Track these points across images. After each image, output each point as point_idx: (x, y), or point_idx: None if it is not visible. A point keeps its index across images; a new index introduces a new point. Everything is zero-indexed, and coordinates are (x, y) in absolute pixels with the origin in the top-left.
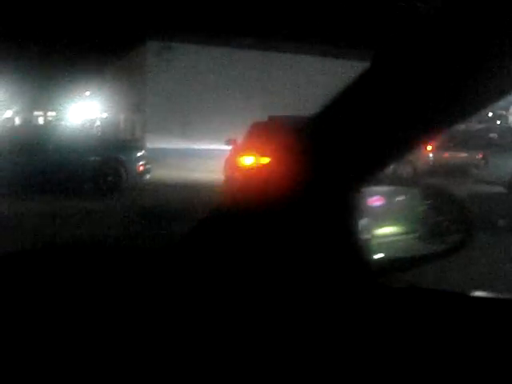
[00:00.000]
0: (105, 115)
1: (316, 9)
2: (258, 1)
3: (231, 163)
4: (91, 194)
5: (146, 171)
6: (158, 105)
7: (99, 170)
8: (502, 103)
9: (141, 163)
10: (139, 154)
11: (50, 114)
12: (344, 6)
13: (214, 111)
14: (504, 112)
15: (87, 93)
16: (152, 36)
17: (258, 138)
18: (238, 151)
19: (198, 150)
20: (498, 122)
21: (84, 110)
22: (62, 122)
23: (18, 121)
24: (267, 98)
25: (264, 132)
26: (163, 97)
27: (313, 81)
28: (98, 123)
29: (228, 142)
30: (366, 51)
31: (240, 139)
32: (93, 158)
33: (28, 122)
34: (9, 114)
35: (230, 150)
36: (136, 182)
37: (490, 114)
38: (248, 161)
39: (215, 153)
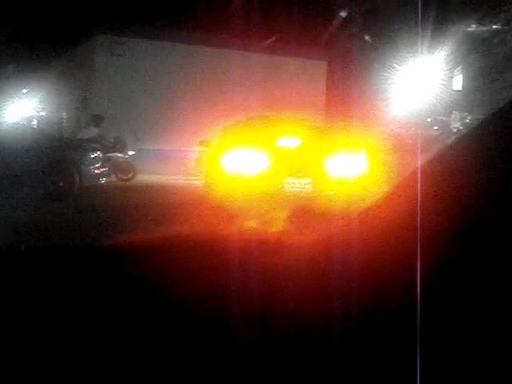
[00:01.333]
0: (43, 113)
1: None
2: None
3: (213, 166)
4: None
5: (102, 174)
6: (106, 103)
7: (49, 174)
8: (442, 109)
9: (96, 165)
10: (94, 156)
11: None
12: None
13: (168, 111)
14: (444, 118)
15: (24, 90)
16: (102, 29)
17: (238, 139)
18: (219, 153)
19: (149, 150)
20: (436, 128)
21: (20, 109)
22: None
23: None
24: (230, 97)
25: (245, 132)
26: (112, 94)
27: (276, 80)
28: (34, 122)
29: (203, 144)
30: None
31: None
32: (41, 160)
33: None
34: None
35: (205, 152)
36: (90, 186)
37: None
38: (235, 163)
39: (164, 154)
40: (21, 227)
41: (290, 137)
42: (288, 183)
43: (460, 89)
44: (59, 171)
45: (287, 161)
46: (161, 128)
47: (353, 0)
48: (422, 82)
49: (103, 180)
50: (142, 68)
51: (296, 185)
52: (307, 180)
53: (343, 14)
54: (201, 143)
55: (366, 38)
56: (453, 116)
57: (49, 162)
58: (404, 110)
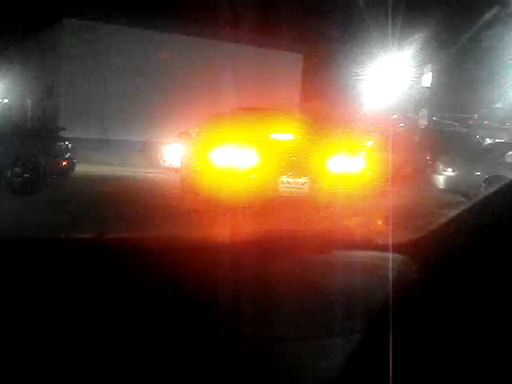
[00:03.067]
0: (6, 101)
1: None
2: None
3: (192, 159)
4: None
5: (70, 166)
6: (73, 90)
7: (13, 166)
8: (411, 107)
9: (64, 157)
10: (61, 146)
11: None
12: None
13: (139, 100)
14: (412, 115)
15: None
16: (69, 13)
17: (224, 131)
18: (202, 146)
19: (116, 141)
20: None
21: None
22: None
23: None
24: (207, 86)
25: (231, 124)
26: (80, 82)
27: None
28: None
29: (181, 135)
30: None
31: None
32: (5, 151)
33: None
34: None
35: (185, 144)
36: (58, 179)
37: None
38: (222, 157)
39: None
40: None
41: (284, 132)
42: (283, 182)
43: (429, 86)
44: (25, 164)
45: (281, 158)
46: (130, 118)
47: None
48: (392, 79)
49: (72, 172)
50: (112, 55)
51: (291, 184)
52: (303, 179)
53: (318, 10)
54: (180, 135)
55: (338, 34)
56: (420, 113)
57: (14, 153)
58: (373, 106)
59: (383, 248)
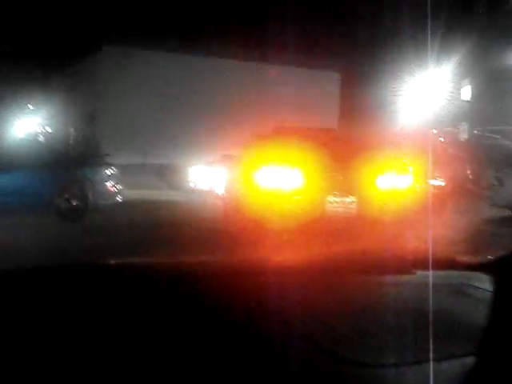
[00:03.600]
0: (49, 129)
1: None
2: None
3: (237, 181)
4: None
5: (116, 192)
6: (112, 117)
7: (62, 192)
8: (450, 121)
9: (110, 183)
10: (108, 172)
11: None
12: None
13: (176, 124)
14: (452, 129)
15: (30, 106)
16: (108, 41)
17: (268, 152)
18: (246, 168)
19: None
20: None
21: (26, 125)
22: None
23: None
24: (243, 108)
25: (274, 144)
26: (120, 108)
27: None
28: (41, 138)
29: (224, 158)
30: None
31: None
32: (54, 178)
33: None
34: None
35: (237, 166)
36: (104, 205)
37: None
38: (267, 178)
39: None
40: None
41: (328, 151)
42: (330, 202)
43: (468, 99)
44: (73, 190)
45: (327, 177)
46: (167, 142)
47: (363, 14)
48: (431, 93)
49: (118, 198)
50: (150, 80)
51: (339, 204)
52: (351, 198)
53: (355, 26)
54: (223, 157)
55: (377, 50)
56: (460, 127)
57: (63, 180)
58: (412, 120)
59: (466, 267)
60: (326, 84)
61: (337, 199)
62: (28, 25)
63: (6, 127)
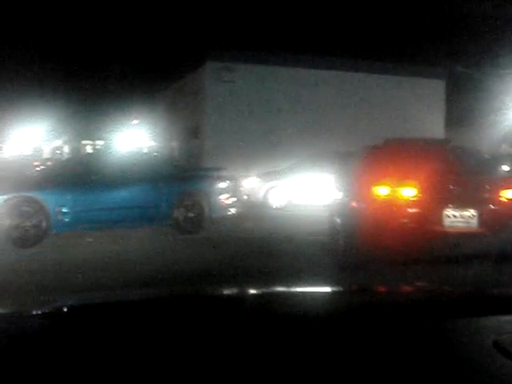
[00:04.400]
0: (152, 143)
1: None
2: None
3: (349, 194)
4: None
5: (232, 205)
6: (216, 131)
7: (178, 206)
8: None
9: (225, 196)
10: (223, 185)
11: (97, 142)
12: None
13: (278, 137)
14: None
15: (135, 121)
16: (211, 57)
17: (382, 164)
18: (359, 181)
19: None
20: None
21: (131, 139)
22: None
23: (67, 149)
24: (338, 122)
25: (387, 157)
26: (222, 122)
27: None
28: (146, 151)
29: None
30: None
31: None
32: (172, 190)
33: (77, 151)
34: (58, 143)
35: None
36: (219, 217)
37: None
38: (383, 191)
39: None
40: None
41: (444, 162)
42: (448, 216)
43: None
44: (190, 203)
45: (444, 190)
46: (268, 155)
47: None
48: None
49: (233, 211)
50: (253, 94)
51: (457, 218)
52: (471, 212)
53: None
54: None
55: (484, 56)
56: None
57: (180, 192)
58: None
59: None
60: (432, 93)
61: (455, 213)
62: (134, 42)
63: (120, 142)
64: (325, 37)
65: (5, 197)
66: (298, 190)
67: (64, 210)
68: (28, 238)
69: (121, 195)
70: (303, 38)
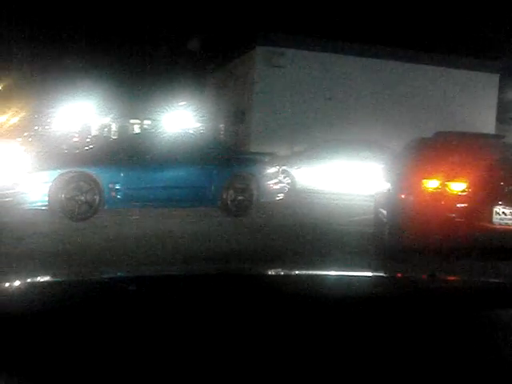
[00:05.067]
0: (198, 125)
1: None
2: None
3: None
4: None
5: (280, 190)
6: (263, 116)
7: (227, 189)
8: None
9: (274, 181)
10: (273, 170)
11: (145, 122)
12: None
13: (327, 125)
14: None
15: (182, 102)
16: (261, 41)
17: (431, 157)
18: (408, 174)
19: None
20: None
21: (178, 120)
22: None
23: (114, 128)
24: (388, 113)
25: (437, 150)
26: (270, 107)
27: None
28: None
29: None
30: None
31: None
32: (222, 173)
33: (125, 130)
34: (106, 120)
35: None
36: (267, 202)
37: None
38: (433, 184)
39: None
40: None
41: (496, 157)
42: (497, 213)
43: None
44: (239, 186)
45: (495, 185)
46: (315, 140)
47: None
48: None
49: (281, 196)
50: (302, 79)
51: (507, 216)
52: None
53: None
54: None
55: None
56: None
57: (229, 175)
58: None
59: None
60: (485, 87)
61: (505, 210)
62: (185, 24)
63: (167, 123)
64: (378, 26)
65: (60, 171)
66: (335, 177)
67: (117, 186)
68: (81, 212)
69: (171, 175)
70: (356, 27)
